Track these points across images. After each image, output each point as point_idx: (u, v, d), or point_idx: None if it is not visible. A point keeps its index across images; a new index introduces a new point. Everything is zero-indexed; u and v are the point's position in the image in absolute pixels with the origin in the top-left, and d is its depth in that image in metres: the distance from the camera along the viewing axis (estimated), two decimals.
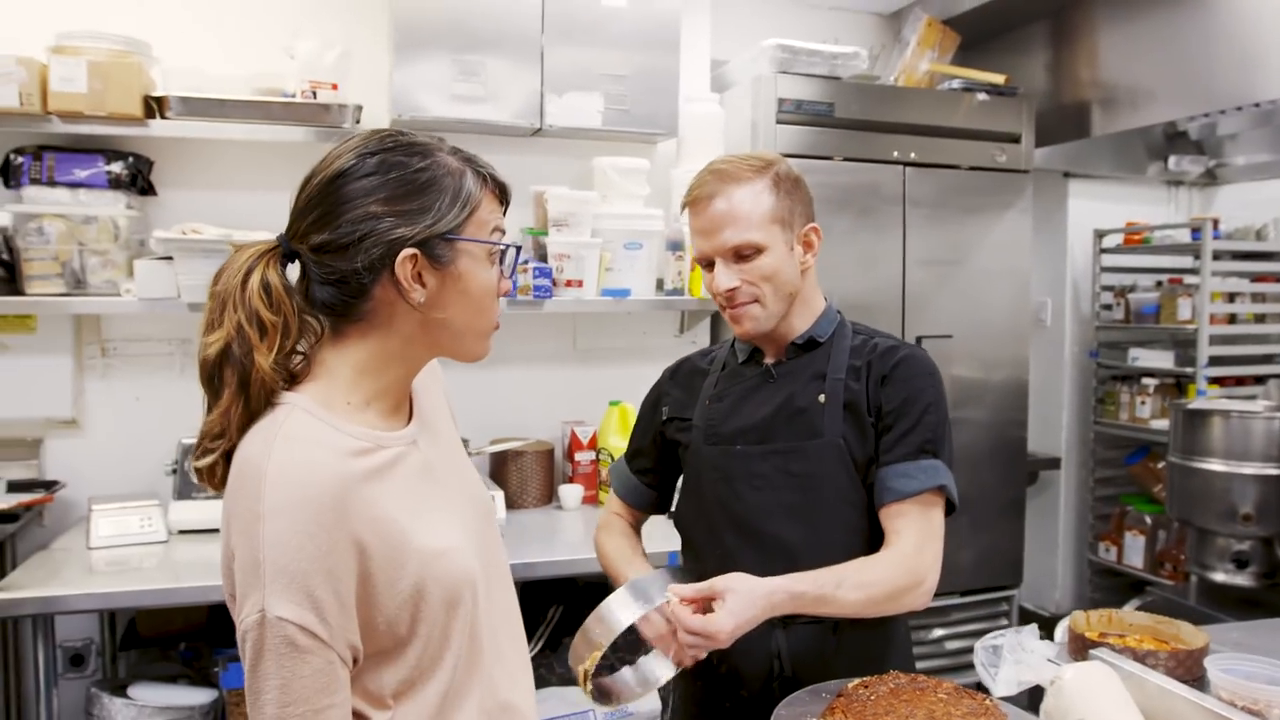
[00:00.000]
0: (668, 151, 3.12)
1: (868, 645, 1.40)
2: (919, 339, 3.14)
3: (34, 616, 2.07)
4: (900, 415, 1.39)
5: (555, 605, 2.68)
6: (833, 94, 3.03)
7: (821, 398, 1.45)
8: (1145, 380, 3.82)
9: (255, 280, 1.00)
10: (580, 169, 3.00)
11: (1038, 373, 4.18)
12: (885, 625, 1.42)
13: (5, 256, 2.42)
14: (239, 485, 0.95)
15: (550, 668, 2.52)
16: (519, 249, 1.11)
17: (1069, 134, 3.62)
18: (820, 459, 1.42)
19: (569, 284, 2.79)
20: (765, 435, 1.48)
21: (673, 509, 1.69)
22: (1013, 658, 1.38)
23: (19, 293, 2.44)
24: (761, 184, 1.43)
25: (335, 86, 2.60)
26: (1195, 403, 3.33)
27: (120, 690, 2.24)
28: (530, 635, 2.64)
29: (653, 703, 2.47)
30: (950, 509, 1.43)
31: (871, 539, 1.43)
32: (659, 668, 1.34)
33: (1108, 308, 4.01)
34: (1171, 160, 4.04)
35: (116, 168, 2.52)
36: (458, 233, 1.03)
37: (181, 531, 2.45)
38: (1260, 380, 3.75)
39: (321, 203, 1.01)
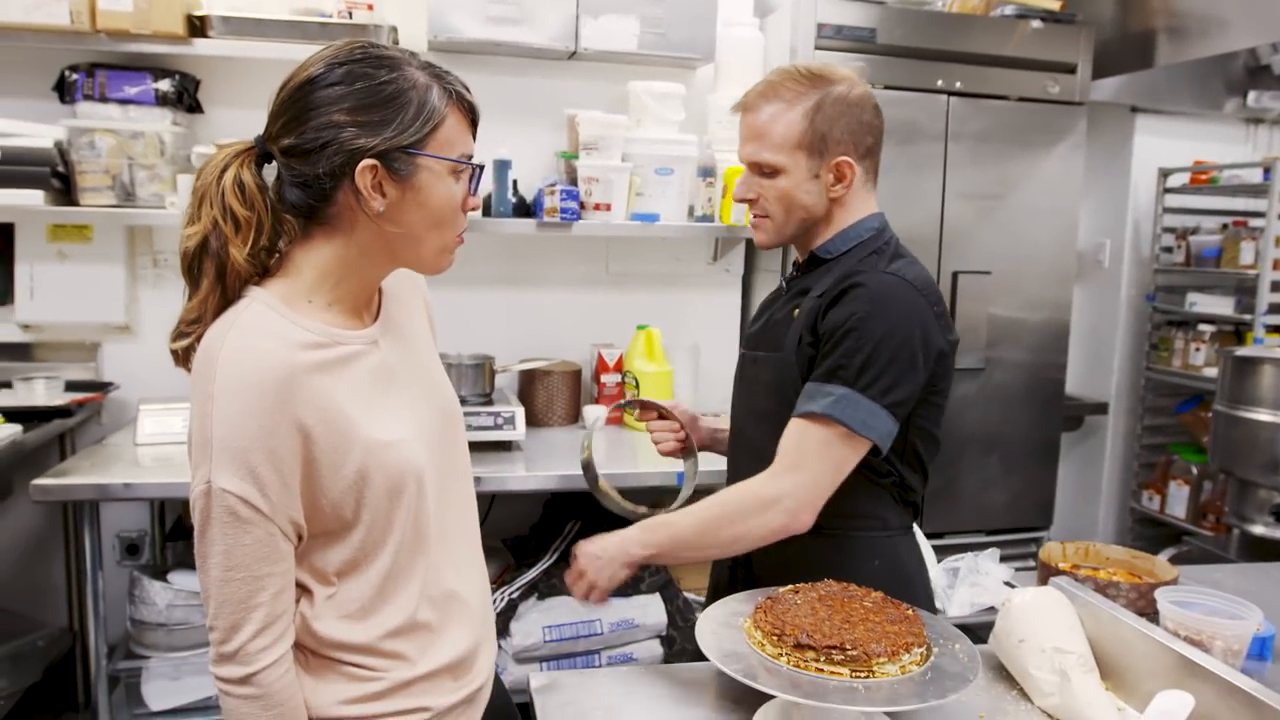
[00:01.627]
0: (705, 76, 3.09)
1: (823, 556, 1.39)
2: (955, 274, 3.10)
3: (83, 503, 2.24)
4: (827, 339, 1.37)
5: (574, 520, 2.77)
6: (875, 19, 2.95)
7: (796, 313, 1.47)
8: (1202, 327, 3.69)
9: (229, 177, 1.06)
10: (616, 93, 2.99)
11: (1092, 315, 4.08)
12: (839, 538, 1.42)
13: (60, 169, 2.55)
14: (198, 368, 1.02)
15: (562, 579, 2.61)
16: (481, 167, 1.14)
17: (1133, 64, 3.45)
18: (778, 370, 1.45)
19: (597, 207, 2.82)
20: (757, 344, 1.57)
21: None
22: (969, 578, 1.40)
23: (73, 203, 2.58)
24: (801, 106, 1.41)
25: (370, 7, 2.65)
26: (1245, 350, 3.21)
27: (161, 575, 2.42)
28: (547, 547, 2.74)
29: (658, 615, 2.55)
30: (876, 450, 1.36)
31: None
32: None
33: (1168, 250, 3.87)
34: (1251, 96, 3.83)
35: (164, 85, 2.62)
36: (419, 147, 1.05)
37: None
38: None
39: (291, 107, 1.06)
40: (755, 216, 1.51)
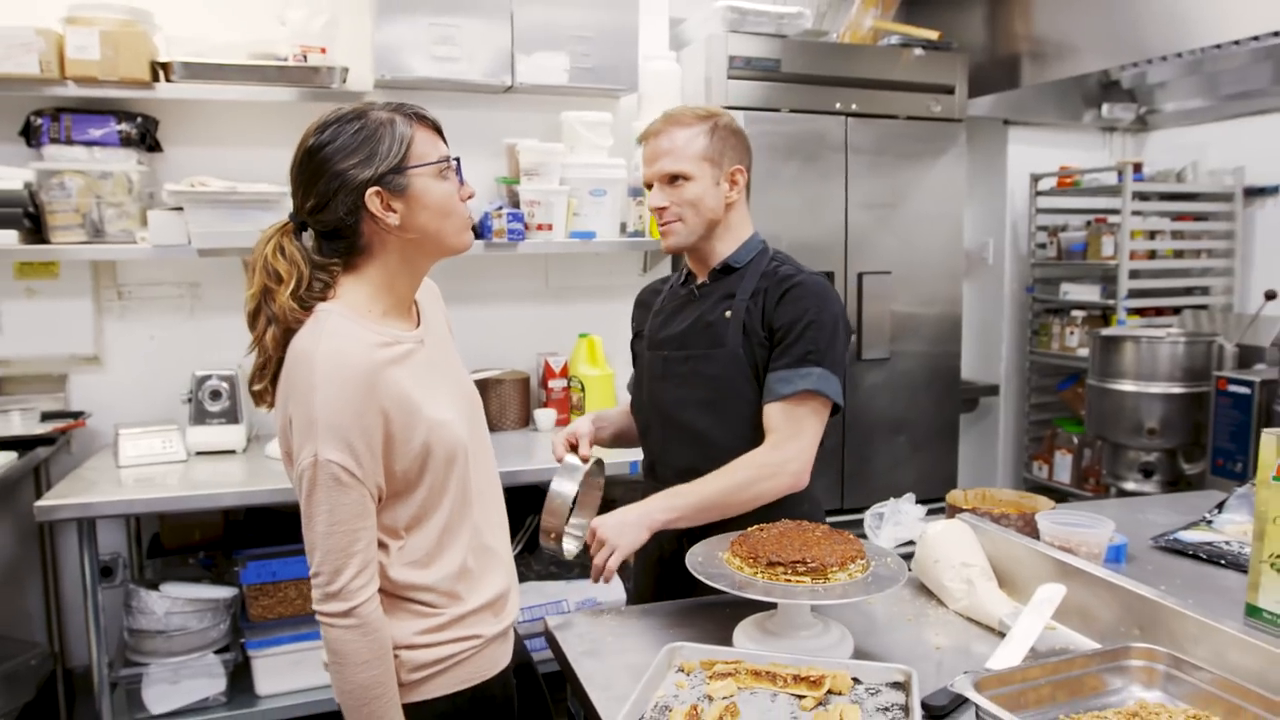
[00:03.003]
0: (629, 105, 3.39)
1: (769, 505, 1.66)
2: (860, 275, 3.47)
3: (78, 521, 2.38)
4: (788, 332, 1.68)
5: (533, 514, 3.02)
6: (779, 51, 3.30)
7: (728, 314, 1.75)
8: (1075, 313, 4.16)
9: (271, 246, 1.32)
10: (550, 122, 3.27)
11: (981, 308, 4.54)
12: (790, 506, 1.68)
13: (31, 209, 2.69)
14: (294, 368, 1.25)
15: (529, 565, 2.86)
16: (459, 159, 1.39)
17: (1002, 84, 3.91)
18: (723, 364, 1.73)
19: (539, 228, 3.09)
20: (684, 343, 1.81)
21: None
22: (892, 520, 1.72)
23: (45, 242, 2.72)
24: (700, 128, 1.74)
25: (324, 50, 2.87)
26: (1109, 330, 3.67)
27: (153, 588, 2.57)
28: (512, 537, 2.98)
29: (619, 593, 2.82)
30: (836, 409, 1.69)
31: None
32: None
33: (1042, 246, 4.34)
34: (1105, 108, 4.34)
35: (127, 127, 2.79)
36: (404, 164, 1.31)
37: (199, 453, 2.76)
38: (1177, 311, 4.09)
39: (301, 177, 1.32)
40: (667, 223, 1.76)
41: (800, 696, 1.23)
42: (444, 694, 1.34)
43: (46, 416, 2.84)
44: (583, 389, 3.22)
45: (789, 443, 1.64)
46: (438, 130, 1.38)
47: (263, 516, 2.95)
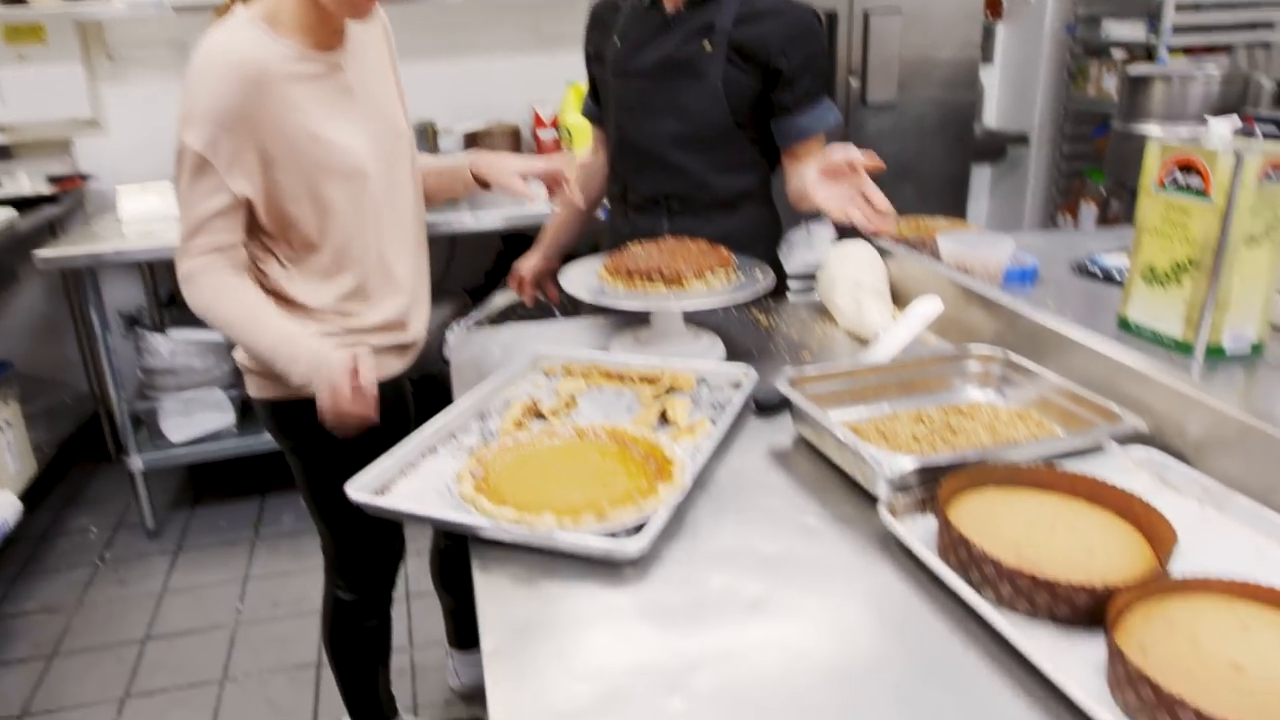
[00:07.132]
0: None
1: (728, 228, 1.70)
2: (866, 14, 3.26)
3: (86, 271, 2.55)
4: (801, 72, 1.64)
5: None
6: None
7: (708, 46, 1.68)
8: (1115, 52, 3.86)
9: None
10: None
11: (1018, 50, 4.25)
12: (747, 215, 1.73)
13: None
14: (194, 57, 1.29)
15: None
16: None
17: None
18: (701, 96, 1.68)
19: None
20: (660, 74, 1.73)
21: None
22: (804, 245, 1.72)
23: (22, 3, 2.75)
24: None
25: None
26: (1137, 68, 3.42)
27: (161, 332, 2.78)
28: (495, 286, 3.09)
29: None
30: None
31: (743, 161, 1.74)
32: None
33: None
34: None
35: None
36: None
37: None
38: (1229, 49, 3.76)
39: None
40: None
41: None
42: None
43: (54, 180, 2.98)
44: (570, 137, 3.19)
45: None
46: None
47: None
